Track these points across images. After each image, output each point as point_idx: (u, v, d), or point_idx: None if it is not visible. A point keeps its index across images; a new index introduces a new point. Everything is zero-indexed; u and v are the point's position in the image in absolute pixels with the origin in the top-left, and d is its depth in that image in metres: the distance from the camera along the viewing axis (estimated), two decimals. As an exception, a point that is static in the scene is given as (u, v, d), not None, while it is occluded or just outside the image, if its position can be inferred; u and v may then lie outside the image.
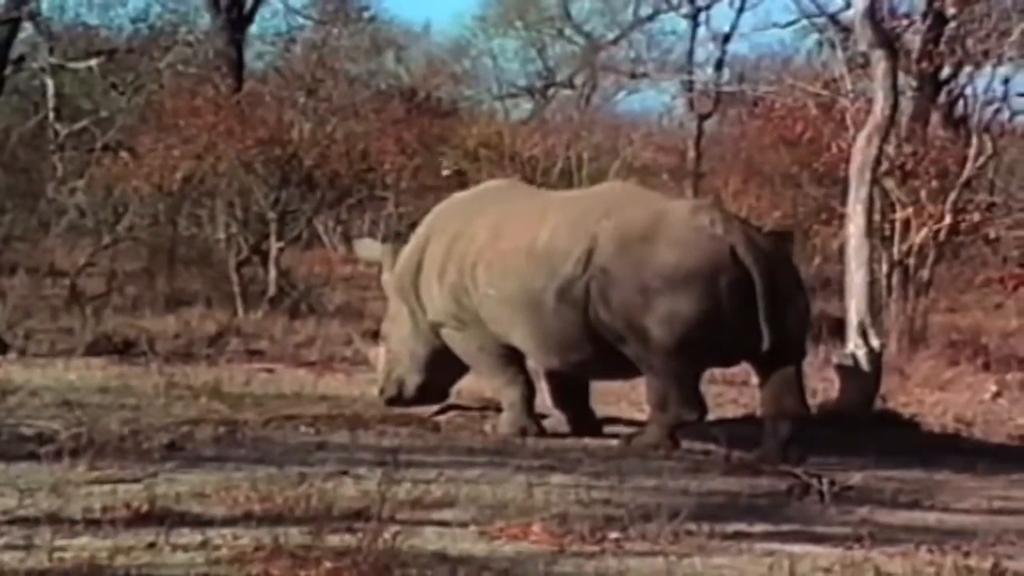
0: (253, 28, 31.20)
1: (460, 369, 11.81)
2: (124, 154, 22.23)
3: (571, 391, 11.50)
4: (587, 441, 10.94)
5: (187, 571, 6.55)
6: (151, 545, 6.92)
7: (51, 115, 24.73)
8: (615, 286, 10.50)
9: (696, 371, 10.76)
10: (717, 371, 11.58)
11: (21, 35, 25.55)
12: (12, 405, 11.14)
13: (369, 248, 13.45)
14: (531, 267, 10.80)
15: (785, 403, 10.56)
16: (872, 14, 13.67)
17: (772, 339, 10.31)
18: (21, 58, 25.54)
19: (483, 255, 11.10)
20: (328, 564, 6.60)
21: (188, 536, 7.10)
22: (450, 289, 11.28)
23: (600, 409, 11.68)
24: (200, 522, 7.41)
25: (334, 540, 6.94)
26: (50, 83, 24.79)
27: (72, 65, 25.32)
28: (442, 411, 11.76)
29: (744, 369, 11.95)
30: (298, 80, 26.14)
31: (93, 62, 25.26)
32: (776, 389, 10.58)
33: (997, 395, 15.42)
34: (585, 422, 11.42)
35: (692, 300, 10.35)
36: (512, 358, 11.31)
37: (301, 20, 33.75)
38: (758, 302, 10.32)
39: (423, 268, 11.62)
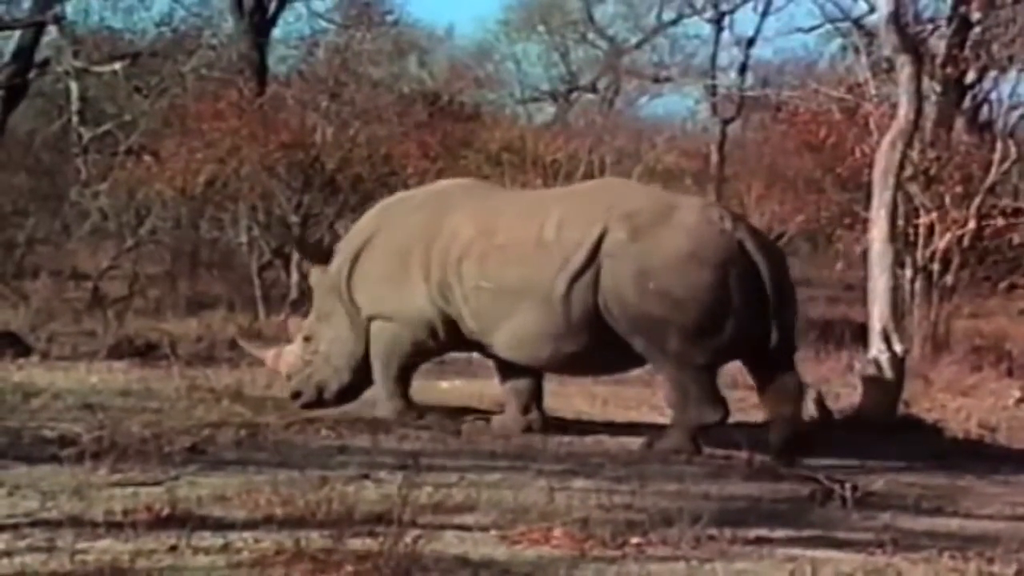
0: (276, 32, 31.26)
1: None
2: (147, 158, 22.25)
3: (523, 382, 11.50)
4: (609, 445, 10.92)
5: (208, 574, 6.56)
6: (173, 548, 6.92)
7: (75, 118, 24.68)
8: (626, 272, 10.54)
9: (707, 364, 10.69)
10: (740, 376, 11.55)
11: (45, 39, 25.53)
12: (35, 408, 11.15)
13: None
14: (539, 257, 10.78)
15: (782, 408, 10.65)
16: (897, 19, 13.65)
17: (778, 335, 10.49)
18: (46, 61, 25.51)
19: (470, 250, 11.06)
20: (349, 568, 6.60)
21: (209, 539, 7.09)
22: (437, 287, 11.22)
23: (620, 413, 11.64)
24: (221, 525, 7.41)
25: (355, 544, 6.93)
26: (74, 87, 24.74)
27: (96, 69, 25.27)
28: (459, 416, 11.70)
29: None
30: (321, 84, 26.05)
31: (117, 66, 25.20)
32: (775, 393, 10.69)
33: (1021, 400, 15.37)
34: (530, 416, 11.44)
35: (703, 287, 10.45)
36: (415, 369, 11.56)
37: (324, 24, 33.79)
38: (768, 296, 10.51)
39: (362, 265, 11.55)
